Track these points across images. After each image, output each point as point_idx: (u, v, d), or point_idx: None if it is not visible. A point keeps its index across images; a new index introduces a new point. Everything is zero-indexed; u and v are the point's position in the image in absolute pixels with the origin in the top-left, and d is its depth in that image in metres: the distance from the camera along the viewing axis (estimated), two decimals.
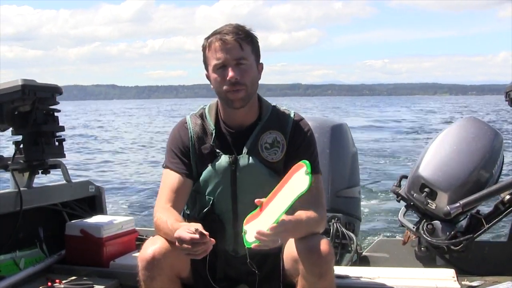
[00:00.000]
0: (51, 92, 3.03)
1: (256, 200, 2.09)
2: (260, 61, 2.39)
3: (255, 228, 1.98)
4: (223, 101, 2.35)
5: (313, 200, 2.27)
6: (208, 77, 2.37)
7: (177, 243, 2.02)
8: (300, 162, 2.06)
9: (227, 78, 2.25)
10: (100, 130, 32.14)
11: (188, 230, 1.98)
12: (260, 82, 2.39)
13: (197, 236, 1.95)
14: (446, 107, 60.91)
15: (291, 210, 2.10)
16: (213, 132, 2.38)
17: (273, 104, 2.47)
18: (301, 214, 2.18)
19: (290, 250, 2.20)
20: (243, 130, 2.38)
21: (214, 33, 2.30)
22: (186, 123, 2.44)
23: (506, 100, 3.34)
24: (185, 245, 1.98)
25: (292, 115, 2.41)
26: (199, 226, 1.99)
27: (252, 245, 1.97)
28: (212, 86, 2.35)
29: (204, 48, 2.35)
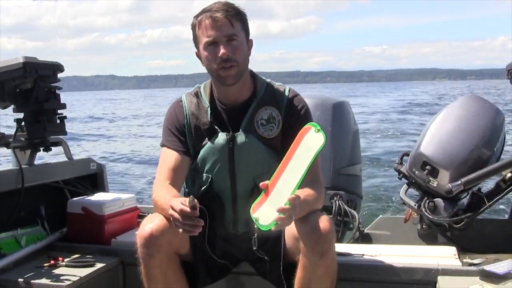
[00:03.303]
0: (53, 70, 3.01)
1: (261, 184, 2.04)
2: (250, 38, 2.37)
3: (269, 210, 1.94)
4: (215, 78, 2.35)
5: (311, 177, 2.25)
6: (198, 55, 2.36)
7: (169, 211, 2.02)
8: (306, 126, 2.03)
9: (219, 55, 2.24)
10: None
11: (183, 201, 1.98)
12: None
13: (187, 209, 1.94)
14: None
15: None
16: (208, 109, 2.38)
17: (268, 80, 2.46)
18: (300, 193, 2.14)
19: (291, 228, 2.19)
20: (238, 107, 2.37)
21: (204, 11, 2.29)
22: (182, 101, 2.45)
23: (508, 78, 3.32)
24: (175, 214, 1.98)
25: (287, 91, 2.41)
26: (195, 200, 1.97)
27: (273, 228, 1.92)
28: (203, 64, 2.34)
29: (194, 27, 2.34)
